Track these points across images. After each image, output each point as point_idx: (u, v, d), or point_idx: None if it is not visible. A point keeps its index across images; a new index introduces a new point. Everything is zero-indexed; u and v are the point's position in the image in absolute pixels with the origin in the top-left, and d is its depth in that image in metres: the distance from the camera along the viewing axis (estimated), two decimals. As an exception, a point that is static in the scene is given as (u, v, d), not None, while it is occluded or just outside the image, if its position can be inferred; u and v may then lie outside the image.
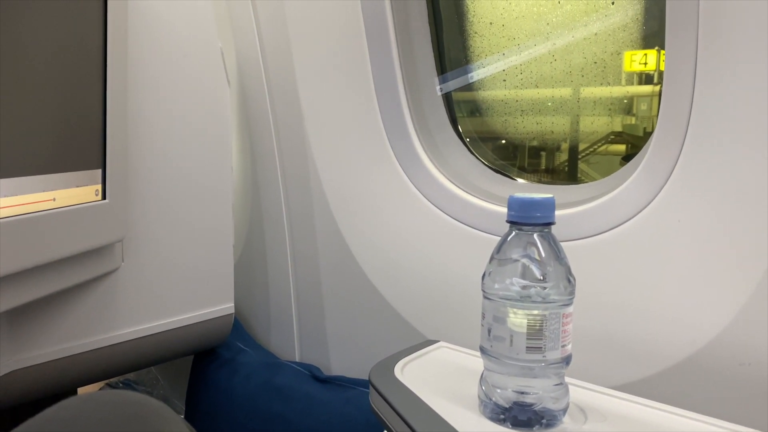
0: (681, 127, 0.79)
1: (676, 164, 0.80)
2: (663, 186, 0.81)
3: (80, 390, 1.18)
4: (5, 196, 0.69)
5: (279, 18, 1.17)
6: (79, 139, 0.82)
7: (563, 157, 1.32)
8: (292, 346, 1.27)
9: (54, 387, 0.97)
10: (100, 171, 0.86)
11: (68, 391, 1.11)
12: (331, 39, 1.13)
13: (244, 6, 1.22)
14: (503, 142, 1.26)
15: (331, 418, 1.04)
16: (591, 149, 1.27)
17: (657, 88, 1.21)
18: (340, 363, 1.19)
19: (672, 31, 0.80)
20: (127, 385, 1.50)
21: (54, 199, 0.77)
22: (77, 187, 0.82)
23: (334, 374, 1.18)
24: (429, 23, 1.15)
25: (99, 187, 0.86)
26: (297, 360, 1.26)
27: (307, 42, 1.15)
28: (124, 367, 1.09)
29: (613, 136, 1.23)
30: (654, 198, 0.82)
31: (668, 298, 0.81)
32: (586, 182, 1.25)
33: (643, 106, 1.23)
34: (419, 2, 1.13)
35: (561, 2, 1.10)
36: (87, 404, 0.48)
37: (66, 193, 0.79)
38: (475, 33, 1.19)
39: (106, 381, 1.48)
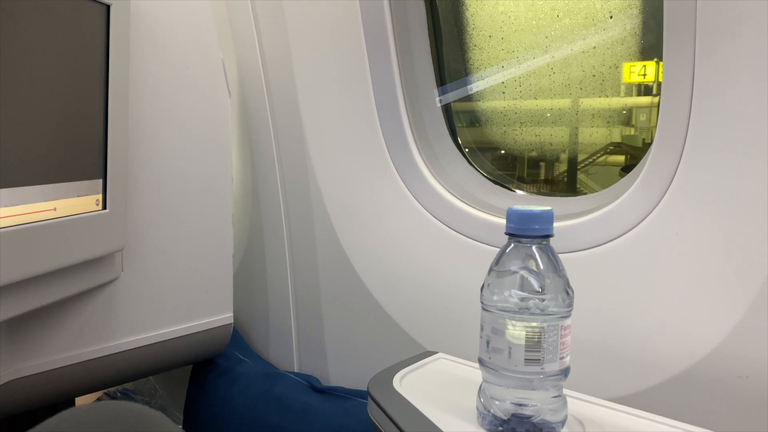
0: (679, 139, 0.80)
1: (674, 177, 0.80)
2: (661, 198, 0.81)
3: (78, 399, 1.18)
4: (6, 206, 0.70)
5: (280, 29, 1.18)
6: (80, 149, 0.83)
7: (562, 167, 1.32)
8: (290, 356, 1.27)
9: (52, 396, 0.97)
10: (101, 181, 0.87)
11: (66, 400, 1.11)
12: (331, 50, 1.13)
13: (245, 17, 1.23)
14: (502, 152, 1.27)
15: (329, 428, 1.04)
16: (590, 160, 1.28)
17: (656, 99, 1.22)
18: (339, 373, 1.19)
19: (669, 44, 0.80)
20: (126, 395, 1.50)
21: (55, 209, 0.77)
22: (78, 196, 0.82)
23: (333, 385, 1.18)
24: (429, 36, 1.15)
25: (99, 196, 0.87)
26: (296, 370, 1.26)
27: (307, 53, 1.16)
28: (123, 376, 1.08)
29: (612, 147, 1.24)
30: (652, 210, 0.82)
31: (666, 311, 0.81)
32: (585, 193, 1.26)
33: (642, 117, 1.24)
34: (419, 15, 1.14)
35: (560, 16, 1.11)
36: (87, 415, 0.48)
37: (67, 203, 0.80)
38: (475, 46, 1.20)
39: (105, 390, 1.48)
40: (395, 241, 1.09)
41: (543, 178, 1.33)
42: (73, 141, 0.81)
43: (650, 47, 1.05)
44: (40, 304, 0.82)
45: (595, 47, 1.08)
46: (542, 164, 1.32)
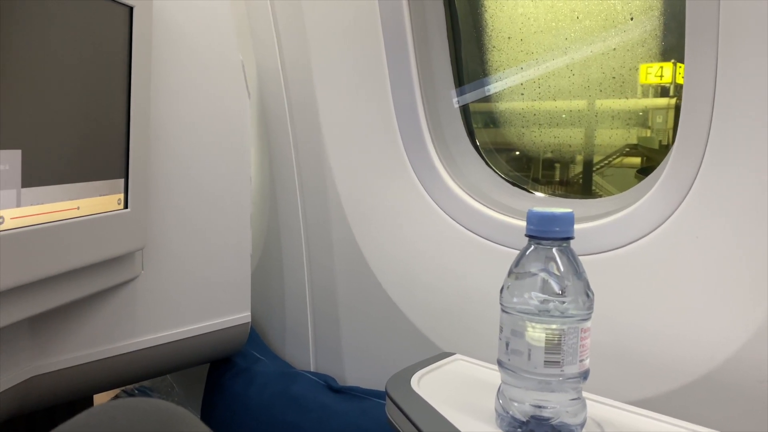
0: (700, 142, 0.79)
1: (695, 180, 0.79)
2: (682, 201, 0.81)
3: (96, 397, 1.19)
4: (32, 205, 0.71)
5: (299, 30, 1.18)
6: (103, 150, 0.84)
7: (578, 169, 1.32)
8: (307, 355, 1.27)
9: (72, 393, 0.98)
10: (122, 180, 0.88)
11: (85, 397, 1.12)
12: (350, 51, 1.14)
13: (265, 19, 1.24)
14: (517, 153, 1.26)
15: (346, 428, 1.05)
16: (606, 162, 1.27)
17: (673, 101, 1.21)
18: (355, 373, 1.20)
19: (691, 46, 0.80)
20: (143, 392, 1.51)
21: (78, 208, 0.78)
22: (100, 196, 0.83)
23: (349, 385, 1.18)
24: (447, 37, 1.15)
25: (121, 196, 0.88)
26: (312, 370, 1.27)
27: (326, 54, 1.17)
28: (141, 374, 1.09)
29: (628, 149, 1.23)
30: (673, 213, 0.82)
31: (686, 314, 0.81)
32: (601, 195, 1.25)
33: (659, 119, 1.23)
34: (438, 17, 1.14)
35: (580, 18, 1.11)
36: (117, 412, 0.49)
37: (90, 202, 0.81)
38: (494, 47, 1.20)
39: (122, 388, 1.49)
40: (412, 242, 1.10)
41: (558, 179, 1.33)
42: (96, 141, 0.82)
43: (670, 49, 1.04)
44: (63, 301, 0.83)
45: (615, 49, 1.08)
46: (558, 166, 1.32)
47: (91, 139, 0.81)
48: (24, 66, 0.69)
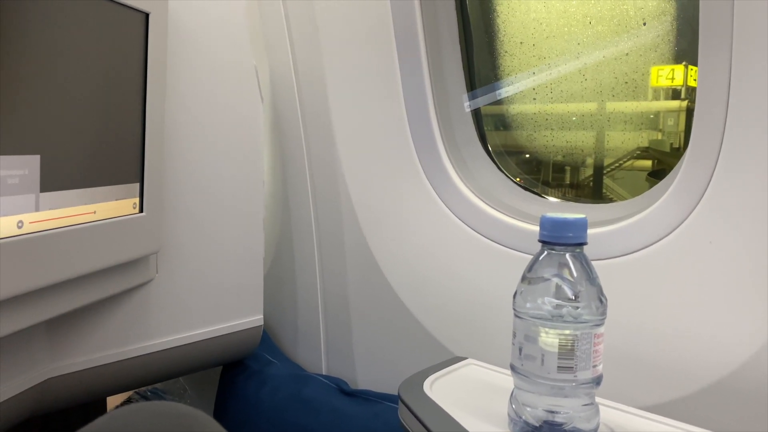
0: (714, 146, 0.79)
1: (708, 184, 0.79)
2: (695, 206, 0.81)
3: (109, 399, 1.20)
4: (50, 209, 0.72)
5: (312, 35, 1.19)
6: (119, 154, 0.84)
7: (588, 172, 1.32)
8: (318, 359, 1.28)
9: (87, 396, 0.99)
10: (138, 185, 0.89)
11: (98, 399, 1.13)
12: (362, 56, 1.14)
13: (278, 24, 1.24)
14: (527, 156, 1.26)
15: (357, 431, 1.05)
16: (616, 165, 1.27)
17: (684, 103, 1.21)
18: (367, 377, 1.20)
19: (705, 49, 0.80)
20: (155, 395, 1.52)
21: (95, 212, 0.79)
22: (116, 200, 0.84)
23: (361, 388, 1.18)
24: (460, 42, 1.16)
25: (136, 200, 0.88)
26: (324, 373, 1.27)
27: (339, 58, 1.17)
28: (155, 376, 1.10)
29: (639, 152, 1.23)
30: (686, 218, 0.82)
31: (700, 319, 0.80)
32: (611, 197, 1.25)
33: (670, 122, 1.23)
34: (450, 21, 1.14)
35: (592, 23, 1.11)
36: (136, 415, 0.49)
37: (106, 206, 0.82)
38: (506, 52, 1.20)
39: (135, 390, 1.50)
40: (424, 245, 1.10)
41: (568, 182, 1.33)
42: (112, 146, 0.83)
43: (682, 52, 1.04)
44: (79, 304, 0.84)
45: (627, 54, 1.08)
46: (568, 169, 1.32)
47: (108, 144, 0.82)
48: (42, 72, 0.70)
